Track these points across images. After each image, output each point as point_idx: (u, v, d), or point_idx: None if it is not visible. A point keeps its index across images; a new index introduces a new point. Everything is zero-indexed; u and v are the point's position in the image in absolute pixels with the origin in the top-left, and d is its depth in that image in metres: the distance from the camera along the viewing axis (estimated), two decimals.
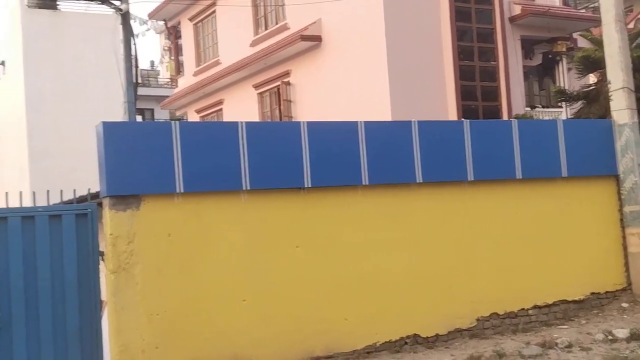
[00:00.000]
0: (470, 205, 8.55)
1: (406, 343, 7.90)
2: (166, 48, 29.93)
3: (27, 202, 7.48)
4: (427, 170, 8.19)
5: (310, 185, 7.66)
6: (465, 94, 16.60)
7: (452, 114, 16.20)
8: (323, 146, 7.78)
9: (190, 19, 25.11)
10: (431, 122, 9.13)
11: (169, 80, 34.27)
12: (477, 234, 8.55)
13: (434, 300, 8.14)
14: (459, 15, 16.86)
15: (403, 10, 15.97)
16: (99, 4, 8.17)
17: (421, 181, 8.19)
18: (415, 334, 7.96)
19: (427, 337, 8.02)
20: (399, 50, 15.90)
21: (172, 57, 28.25)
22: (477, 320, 8.35)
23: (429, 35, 16.47)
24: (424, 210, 8.27)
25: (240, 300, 7.26)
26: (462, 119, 11.55)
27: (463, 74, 16.64)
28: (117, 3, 7.64)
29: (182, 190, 7.14)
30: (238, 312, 7.23)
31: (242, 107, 21.67)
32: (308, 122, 7.89)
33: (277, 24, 20.15)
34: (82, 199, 7.48)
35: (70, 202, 7.73)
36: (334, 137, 7.95)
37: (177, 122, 7.82)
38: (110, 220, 6.91)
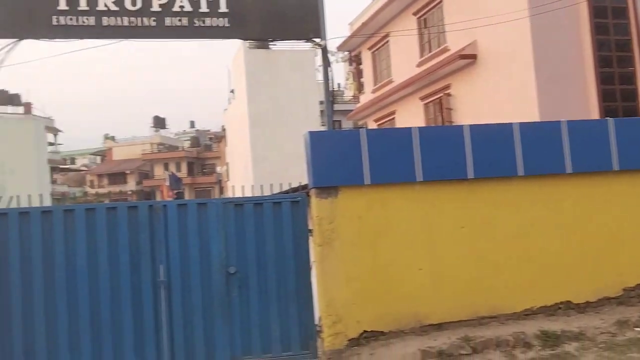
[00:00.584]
0: (616, 191, 7.82)
1: (559, 308, 7.42)
2: (350, 72, 30.35)
3: (248, 193, 7.85)
4: (576, 162, 7.60)
5: (473, 177, 7.42)
6: (605, 97, 15.27)
7: (594, 114, 15.00)
8: (483, 144, 7.46)
9: (369, 49, 25.32)
10: (578, 121, 8.49)
11: (352, 97, 34.71)
12: (622, 216, 7.81)
13: (584, 272, 7.57)
14: (598, 29, 15.54)
15: (547, 27, 14.99)
16: (304, 42, 8.43)
17: (571, 172, 7.63)
18: (567, 301, 7.46)
19: (579, 304, 7.48)
20: (545, 61, 14.98)
21: (355, 80, 28.60)
22: (624, 290, 7.64)
23: (571, 48, 15.35)
24: (574, 196, 7.69)
25: (417, 269, 7.19)
26: (606, 118, 10.62)
27: (603, 79, 15.34)
28: (317, 40, 7.85)
29: (369, 182, 7.18)
30: (416, 278, 7.16)
31: (410, 116, 21.51)
32: (470, 125, 7.65)
33: (439, 47, 19.75)
34: (294, 190, 7.81)
35: (286, 192, 8.09)
36: (492, 136, 7.60)
37: (364, 129, 7.91)
38: (316, 205, 7.12)
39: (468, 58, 17.64)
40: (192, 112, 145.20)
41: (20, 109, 49.17)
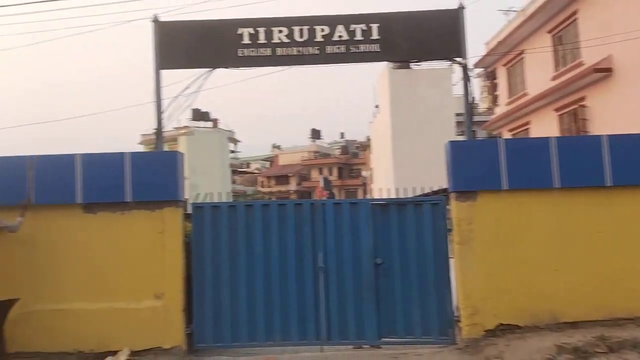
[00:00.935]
0: None
1: None
2: (485, 87, 29.05)
3: (390, 195, 7.77)
4: None
5: (611, 184, 6.72)
6: None
7: None
8: (621, 153, 6.74)
9: (504, 65, 24.04)
10: None
11: (486, 109, 33.15)
12: None
13: None
14: None
15: None
16: (446, 61, 8.24)
17: None
18: None
19: None
20: None
21: (490, 93, 27.29)
22: None
23: None
24: None
25: (553, 270, 6.67)
26: None
27: None
28: (459, 59, 7.63)
29: (507, 187, 6.82)
30: (552, 278, 6.65)
31: (544, 126, 20.01)
32: (608, 135, 6.93)
33: (573, 61, 18.18)
34: (435, 193, 7.63)
35: (427, 195, 7.94)
36: (631, 146, 6.83)
37: (502, 139, 7.52)
38: (455, 208, 6.90)
39: (603, 71, 16.01)
40: (342, 125, 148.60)
41: (210, 124, 53.76)
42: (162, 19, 8.58)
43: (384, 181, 33.60)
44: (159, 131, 8.20)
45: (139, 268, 6.86)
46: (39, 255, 6.85)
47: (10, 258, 6.76)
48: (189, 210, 7.27)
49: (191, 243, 7.14)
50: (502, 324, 6.61)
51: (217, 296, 7.10)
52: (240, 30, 8.04)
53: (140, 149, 45.10)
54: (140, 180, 6.93)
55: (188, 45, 8.19)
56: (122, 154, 7.00)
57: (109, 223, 6.94)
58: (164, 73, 8.71)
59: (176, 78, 8.98)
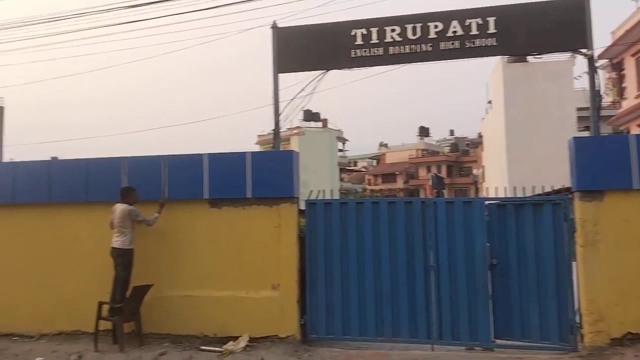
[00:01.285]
0: None
1: None
2: (610, 79, 26.57)
3: (504, 194, 7.40)
4: None
5: None
6: None
7: None
8: None
9: (632, 55, 21.83)
10: None
11: (610, 103, 30.35)
12: None
13: None
14: None
15: None
16: (568, 53, 7.67)
17: None
18: None
19: None
20: None
21: (616, 86, 24.90)
22: None
23: None
24: None
25: None
26: None
27: None
28: (584, 51, 7.06)
29: (638, 187, 6.21)
30: None
31: None
32: None
33: None
34: (556, 192, 7.15)
35: (547, 194, 7.46)
36: None
37: (632, 134, 6.85)
38: (579, 208, 6.42)
39: None
40: (452, 122, 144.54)
41: (319, 124, 55.02)
42: (280, 25, 8.92)
43: (497, 179, 32.02)
44: (276, 132, 8.55)
45: (258, 260, 7.18)
46: (171, 245, 7.46)
47: (146, 248, 7.43)
48: (302, 206, 7.48)
49: (305, 237, 7.34)
50: (630, 333, 6.05)
51: (329, 289, 7.22)
52: (353, 32, 8.13)
53: (257, 148, 47.29)
54: (259, 177, 7.26)
55: (304, 49, 8.44)
56: (243, 153, 7.37)
57: (231, 217, 7.34)
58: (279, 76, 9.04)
59: (290, 81, 9.31)
